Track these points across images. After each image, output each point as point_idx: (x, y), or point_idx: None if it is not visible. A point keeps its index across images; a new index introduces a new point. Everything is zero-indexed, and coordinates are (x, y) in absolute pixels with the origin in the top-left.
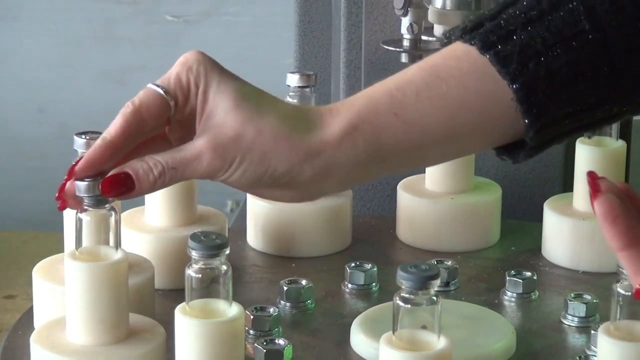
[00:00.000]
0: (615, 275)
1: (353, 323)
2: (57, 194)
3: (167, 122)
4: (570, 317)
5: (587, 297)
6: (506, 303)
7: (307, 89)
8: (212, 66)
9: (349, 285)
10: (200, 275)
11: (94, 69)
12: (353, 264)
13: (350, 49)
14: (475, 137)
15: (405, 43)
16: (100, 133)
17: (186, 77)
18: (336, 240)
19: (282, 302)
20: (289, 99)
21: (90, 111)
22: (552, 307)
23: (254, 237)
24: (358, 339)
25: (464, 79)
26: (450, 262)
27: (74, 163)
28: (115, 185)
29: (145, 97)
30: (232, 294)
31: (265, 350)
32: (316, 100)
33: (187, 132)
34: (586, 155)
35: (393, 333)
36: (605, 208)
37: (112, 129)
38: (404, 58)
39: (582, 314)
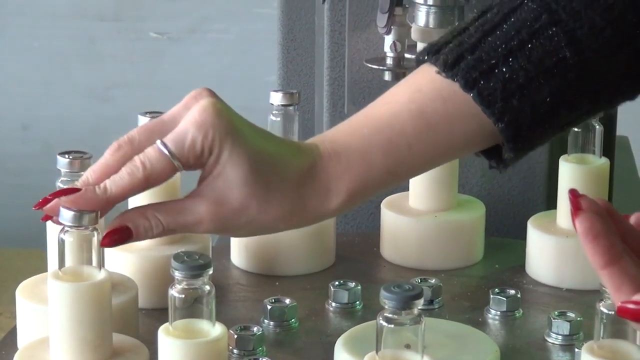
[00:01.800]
0: (599, 293)
1: (337, 342)
2: (37, 204)
3: None
4: (554, 335)
5: (571, 314)
6: (490, 321)
7: (290, 107)
8: (227, 131)
9: (333, 304)
10: (183, 296)
11: (78, 86)
12: (337, 283)
13: (334, 67)
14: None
15: (389, 61)
16: (84, 153)
17: (201, 145)
18: (320, 259)
19: (265, 321)
20: (272, 118)
21: (74, 128)
22: (536, 325)
23: (237, 256)
24: (342, 358)
25: (452, 125)
26: (433, 280)
27: (63, 190)
28: (116, 239)
29: (157, 164)
30: (216, 313)
31: None
32: (300, 118)
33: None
34: (569, 173)
35: (376, 353)
36: (586, 226)
37: (114, 189)
38: (387, 76)
39: (566, 332)
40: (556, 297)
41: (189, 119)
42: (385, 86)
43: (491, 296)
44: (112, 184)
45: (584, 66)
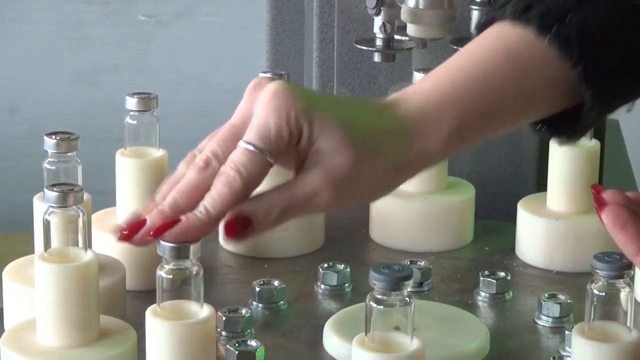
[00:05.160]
0: (589, 276)
1: (326, 324)
2: (126, 232)
3: None
4: (544, 318)
5: (561, 297)
6: (480, 303)
7: None
8: (308, 106)
9: (322, 286)
10: (171, 276)
11: (66, 69)
12: (326, 265)
13: (323, 48)
14: (542, 115)
15: (378, 42)
16: (71, 134)
17: (287, 131)
18: (309, 241)
19: (254, 303)
20: None
21: (62, 112)
22: (526, 308)
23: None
24: (331, 340)
25: (540, 69)
26: (423, 263)
27: (160, 227)
28: (235, 229)
29: (251, 165)
30: (205, 295)
31: (237, 352)
32: None
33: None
34: (560, 155)
35: (365, 334)
36: (611, 217)
37: (218, 207)
38: (376, 57)
39: (556, 314)
40: (546, 279)
41: (263, 108)
42: (374, 67)
43: (481, 278)
44: (213, 203)
45: None
